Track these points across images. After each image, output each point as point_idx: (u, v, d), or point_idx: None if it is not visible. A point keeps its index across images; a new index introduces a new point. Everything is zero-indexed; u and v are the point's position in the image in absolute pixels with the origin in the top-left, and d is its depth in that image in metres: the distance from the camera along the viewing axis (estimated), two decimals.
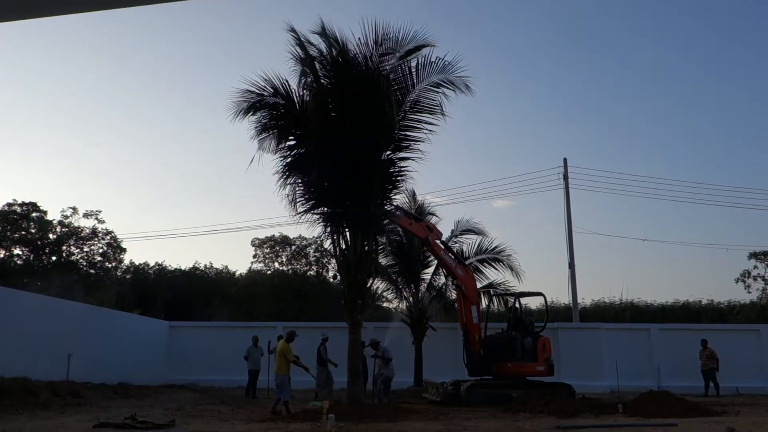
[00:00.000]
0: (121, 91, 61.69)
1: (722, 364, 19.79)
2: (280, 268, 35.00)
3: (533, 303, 27.42)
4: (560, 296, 36.97)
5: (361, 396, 13.94)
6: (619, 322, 27.32)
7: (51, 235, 32.05)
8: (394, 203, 15.95)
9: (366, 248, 14.53)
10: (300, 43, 13.82)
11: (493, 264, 20.76)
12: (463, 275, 16.54)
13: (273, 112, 14.60)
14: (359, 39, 13.64)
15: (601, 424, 11.17)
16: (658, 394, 14.57)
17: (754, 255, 32.47)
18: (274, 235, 35.20)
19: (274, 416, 12.34)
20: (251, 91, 14.26)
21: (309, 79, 14.15)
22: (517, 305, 17.50)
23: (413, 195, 21.16)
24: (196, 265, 37.36)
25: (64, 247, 32.39)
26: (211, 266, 38.15)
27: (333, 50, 13.79)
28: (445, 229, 20.98)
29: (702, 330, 21.97)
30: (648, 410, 12.47)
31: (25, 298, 16.49)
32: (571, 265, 26.22)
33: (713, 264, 52.71)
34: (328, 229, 14.96)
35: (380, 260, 19.95)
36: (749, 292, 32.53)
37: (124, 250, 34.21)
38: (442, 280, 20.86)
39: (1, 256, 31.26)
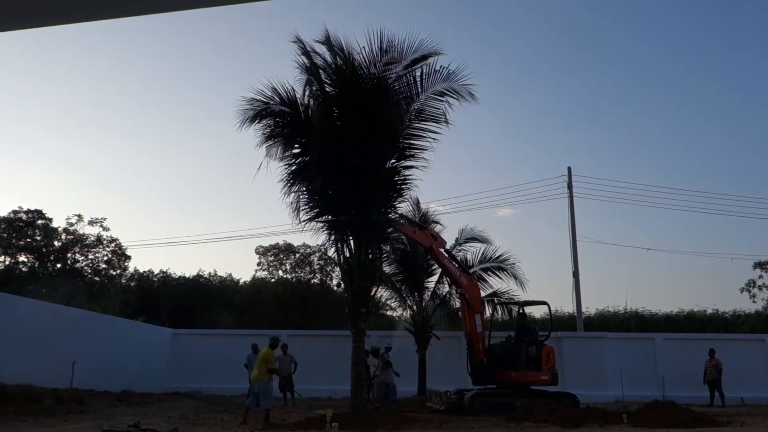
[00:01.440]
0: (127, 97, 62.06)
1: (727, 374, 19.69)
2: (284, 276, 35.02)
3: (537, 312, 27.38)
4: (564, 305, 36.89)
5: (365, 404, 13.92)
6: (623, 331, 27.23)
7: (56, 243, 32.16)
8: (398, 211, 15.99)
9: (370, 256, 14.55)
10: (305, 52, 13.90)
11: (497, 273, 20.72)
12: (467, 284, 16.52)
13: (278, 120, 14.68)
14: (364, 48, 13.74)
15: None
16: (662, 403, 14.52)
17: (759, 264, 32.33)
18: (278, 243, 35.27)
19: (269, 426, 12.29)
20: (257, 99, 14.34)
21: (314, 88, 14.22)
22: (523, 313, 17.47)
23: (417, 203, 21.19)
24: (201, 273, 37.45)
25: (69, 255, 32.48)
26: (215, 274, 38.23)
27: (338, 59, 13.87)
28: (449, 237, 20.97)
29: (707, 340, 21.86)
30: (653, 420, 12.42)
31: (29, 305, 16.54)
32: (576, 274, 26.15)
33: (718, 273, 52.58)
34: (332, 237, 14.97)
35: (384, 268, 19.95)
36: (754, 302, 32.42)
37: (128, 257, 34.31)
38: (446, 288, 20.83)
39: (7, 263, 31.37)
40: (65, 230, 32.35)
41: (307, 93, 14.42)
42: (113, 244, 33.35)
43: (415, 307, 21.09)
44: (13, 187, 52.68)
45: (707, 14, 62.78)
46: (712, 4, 63.15)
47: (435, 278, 21.24)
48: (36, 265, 31.72)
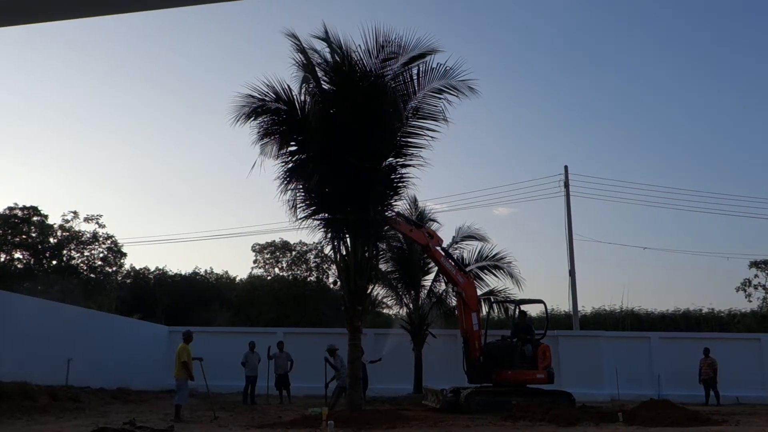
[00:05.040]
0: (123, 95, 61.87)
1: (723, 374, 19.75)
2: (281, 274, 34.99)
3: (533, 310, 27.37)
4: (560, 304, 36.99)
5: (360, 402, 13.91)
6: (619, 330, 27.28)
7: (52, 239, 32.06)
8: (395, 209, 15.91)
9: (366, 254, 14.51)
10: (301, 49, 13.84)
11: (493, 271, 20.74)
12: (463, 282, 16.51)
13: (274, 118, 14.59)
14: (362, 45, 13.65)
15: None
16: (658, 402, 14.53)
17: (754, 264, 32.44)
18: (274, 241, 35.26)
19: (179, 422, 12.24)
20: (253, 96, 14.24)
21: (311, 85, 14.16)
22: (524, 312, 17.47)
23: (414, 201, 21.21)
24: (197, 270, 37.41)
25: (65, 252, 32.38)
26: (212, 271, 38.20)
27: (335, 56, 13.81)
28: (446, 235, 21.06)
29: (702, 339, 21.93)
30: (648, 419, 12.43)
31: (25, 302, 16.48)
32: (572, 273, 26.20)
33: (714, 273, 52.68)
34: (329, 235, 14.92)
35: (380, 266, 19.95)
36: (750, 301, 32.54)
37: (124, 254, 34.23)
38: (443, 286, 20.84)
39: (2, 259, 31.26)
40: (61, 227, 32.24)
41: (303, 90, 14.35)
42: (109, 241, 33.28)
43: (411, 306, 21.11)
44: (9, 184, 52.55)
45: (705, 14, 62.89)
46: (710, 4, 63.28)
47: (431, 276, 21.28)
48: (31, 262, 31.62)
